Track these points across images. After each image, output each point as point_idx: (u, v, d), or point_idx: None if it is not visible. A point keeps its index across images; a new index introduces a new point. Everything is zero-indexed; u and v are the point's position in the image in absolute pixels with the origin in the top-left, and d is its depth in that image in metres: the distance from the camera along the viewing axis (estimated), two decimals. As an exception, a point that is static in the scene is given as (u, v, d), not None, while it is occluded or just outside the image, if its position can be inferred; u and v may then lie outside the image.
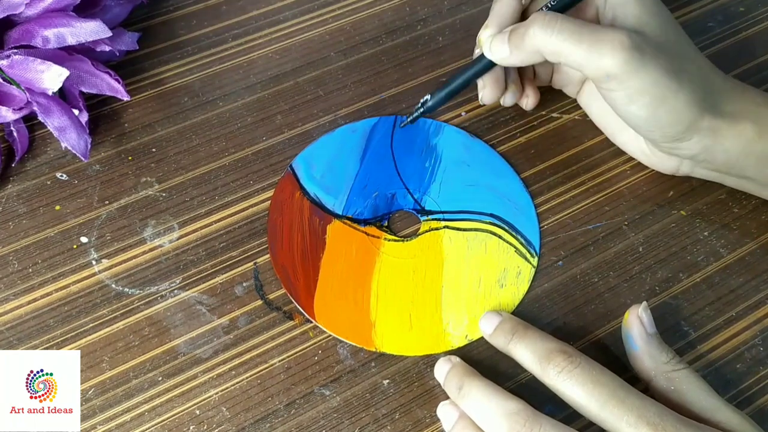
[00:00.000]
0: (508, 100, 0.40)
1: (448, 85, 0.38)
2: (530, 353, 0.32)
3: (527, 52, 0.34)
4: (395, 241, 0.38)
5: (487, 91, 0.38)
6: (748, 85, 0.36)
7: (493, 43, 0.36)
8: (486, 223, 0.38)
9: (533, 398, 0.31)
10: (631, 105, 0.34)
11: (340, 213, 0.38)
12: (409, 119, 0.39)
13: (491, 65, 0.37)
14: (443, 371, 0.33)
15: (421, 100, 0.39)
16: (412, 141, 0.41)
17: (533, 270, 0.37)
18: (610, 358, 0.34)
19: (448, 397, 0.33)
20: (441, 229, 0.38)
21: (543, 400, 0.32)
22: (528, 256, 0.37)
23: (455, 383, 0.32)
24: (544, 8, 0.36)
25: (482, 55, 0.37)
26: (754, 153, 0.34)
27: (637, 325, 0.33)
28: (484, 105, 0.40)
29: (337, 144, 0.41)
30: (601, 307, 0.36)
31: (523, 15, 0.37)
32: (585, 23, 0.33)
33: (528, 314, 0.36)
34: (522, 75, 0.40)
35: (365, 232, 0.38)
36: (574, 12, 0.37)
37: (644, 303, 0.34)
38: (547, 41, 0.33)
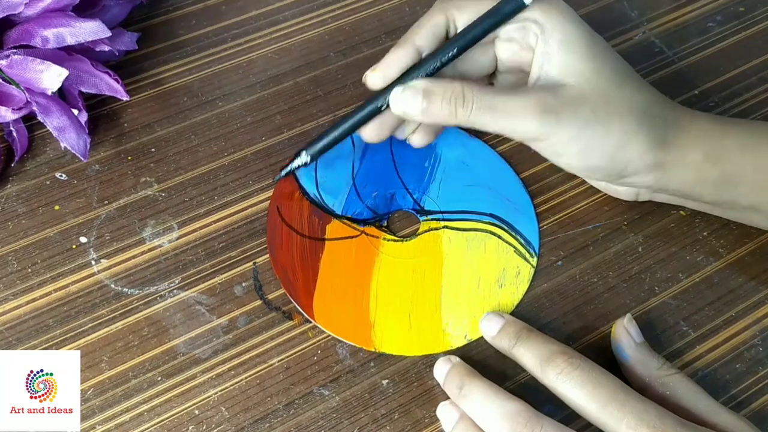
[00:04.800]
0: (400, 136, 0.36)
1: (327, 136, 0.35)
2: (531, 355, 0.32)
3: (442, 120, 0.33)
4: (394, 241, 0.38)
5: (368, 130, 0.35)
6: (697, 111, 0.36)
7: (405, 94, 0.33)
8: (485, 223, 0.38)
9: (533, 398, 0.31)
10: (561, 157, 0.34)
11: (340, 213, 0.38)
12: (283, 173, 0.36)
13: (381, 111, 0.34)
14: (443, 371, 0.33)
15: (297, 160, 0.35)
16: (412, 141, 0.41)
17: (533, 270, 0.37)
18: (610, 358, 0.34)
19: (447, 398, 0.33)
20: (440, 229, 0.38)
21: (543, 400, 0.32)
22: (527, 256, 0.37)
23: (455, 383, 0.32)
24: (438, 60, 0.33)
25: (375, 99, 0.34)
26: (709, 180, 0.34)
27: (624, 335, 0.33)
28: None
29: (336, 144, 0.41)
30: (600, 307, 0.36)
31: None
32: (497, 93, 0.32)
33: (527, 314, 0.36)
34: None
35: (364, 232, 0.38)
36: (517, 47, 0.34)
37: (628, 315, 0.34)
38: (466, 118, 0.32)
